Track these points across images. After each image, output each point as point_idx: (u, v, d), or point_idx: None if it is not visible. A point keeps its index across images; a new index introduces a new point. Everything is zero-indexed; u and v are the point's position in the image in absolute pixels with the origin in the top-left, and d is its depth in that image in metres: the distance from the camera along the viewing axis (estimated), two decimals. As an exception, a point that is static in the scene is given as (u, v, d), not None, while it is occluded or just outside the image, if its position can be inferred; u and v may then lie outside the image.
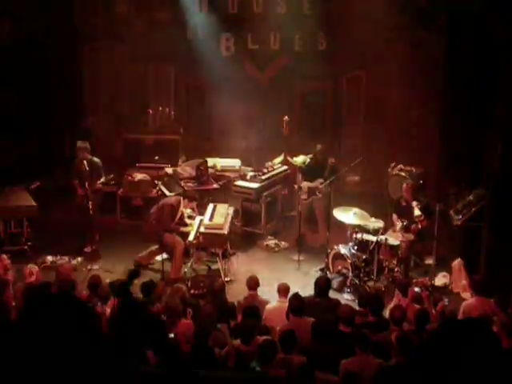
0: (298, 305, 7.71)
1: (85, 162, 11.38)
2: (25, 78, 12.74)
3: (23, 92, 13.17)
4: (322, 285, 8.55)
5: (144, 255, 11.25)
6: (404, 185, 11.11)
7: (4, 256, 9.47)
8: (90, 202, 11.16)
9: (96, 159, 11.66)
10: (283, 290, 8.42)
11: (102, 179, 11.77)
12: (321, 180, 11.94)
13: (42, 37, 12.98)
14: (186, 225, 10.98)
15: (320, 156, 12.08)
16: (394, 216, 11.06)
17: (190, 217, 11.19)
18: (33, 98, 13.02)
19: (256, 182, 12.30)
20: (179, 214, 10.94)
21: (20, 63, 12.51)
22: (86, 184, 11.25)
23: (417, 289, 9.09)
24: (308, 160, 12.33)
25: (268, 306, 8.31)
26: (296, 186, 12.12)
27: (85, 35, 13.80)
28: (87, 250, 11.43)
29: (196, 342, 6.94)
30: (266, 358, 6.48)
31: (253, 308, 7.81)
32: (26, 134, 13.15)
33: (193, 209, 11.27)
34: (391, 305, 8.47)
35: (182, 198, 11.10)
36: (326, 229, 11.59)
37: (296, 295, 7.96)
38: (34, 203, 11.44)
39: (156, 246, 11.08)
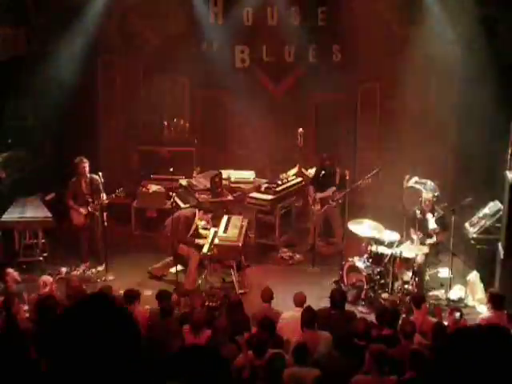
0: (309, 318, 7.67)
1: (83, 180, 11.25)
2: (39, 90, 12.81)
3: (37, 104, 13.25)
4: (338, 297, 8.52)
5: (158, 266, 11.26)
6: (424, 195, 11.00)
7: (11, 270, 9.53)
8: (102, 216, 11.11)
9: (95, 176, 11.27)
10: (299, 300, 8.39)
11: (104, 196, 11.25)
12: (333, 188, 11.93)
13: (56, 48, 13.06)
14: (200, 236, 10.98)
15: (328, 164, 12.04)
16: (412, 229, 10.98)
17: (204, 228, 11.21)
18: (47, 110, 13.08)
19: (270, 194, 12.30)
20: (194, 225, 10.94)
21: (34, 75, 12.58)
22: (90, 203, 11.19)
23: (429, 303, 9.04)
24: (314, 170, 12.33)
25: (284, 316, 8.27)
26: (310, 199, 12.12)
27: (100, 48, 13.86)
28: (101, 267, 11.41)
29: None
30: (274, 371, 6.48)
31: (268, 320, 7.78)
32: (41, 146, 13.21)
33: (207, 221, 11.26)
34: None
35: (196, 210, 11.10)
36: (342, 235, 11.59)
37: (308, 308, 7.92)
38: (49, 214, 11.48)
39: (170, 258, 11.09)
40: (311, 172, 12.71)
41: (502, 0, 11.92)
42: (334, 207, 11.95)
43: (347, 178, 12.46)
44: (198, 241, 10.88)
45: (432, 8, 12.59)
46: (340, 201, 11.79)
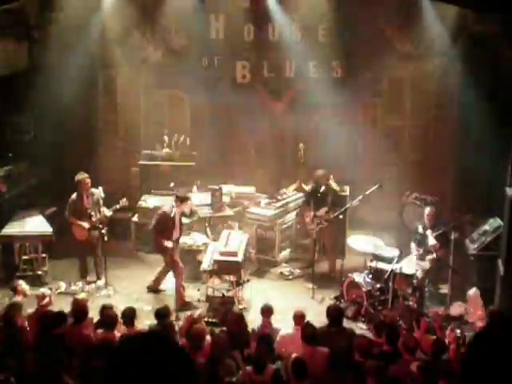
0: (309, 333, 7.63)
1: (85, 195, 11.19)
2: (40, 104, 12.85)
3: (38, 118, 13.29)
4: (334, 314, 8.43)
5: (154, 280, 11.24)
6: (427, 209, 11.00)
7: (21, 281, 9.46)
8: (102, 231, 11.10)
9: (96, 190, 11.27)
10: (298, 317, 8.34)
11: (105, 210, 11.28)
12: (325, 208, 11.84)
13: (57, 63, 13.11)
14: (179, 234, 10.97)
15: (322, 182, 11.99)
16: (412, 244, 10.97)
17: (203, 243, 11.20)
18: (48, 124, 13.11)
19: (270, 209, 12.30)
20: (178, 218, 10.88)
21: (36, 89, 12.63)
22: (93, 217, 11.15)
23: (428, 319, 9.00)
24: (309, 187, 12.26)
25: (282, 333, 8.22)
26: (307, 218, 12.02)
27: (101, 63, 13.91)
28: (100, 282, 11.39)
29: (207, 369, 6.90)
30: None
31: (267, 336, 7.75)
32: (42, 160, 13.21)
33: (189, 208, 11.13)
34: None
35: (173, 203, 10.92)
36: (334, 258, 11.55)
37: (308, 324, 7.88)
38: (49, 229, 11.48)
39: (160, 268, 11.09)
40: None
41: (502, 18, 11.96)
42: (325, 228, 11.82)
43: (347, 193, 12.40)
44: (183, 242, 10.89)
45: (432, 25, 12.64)
46: (333, 217, 11.63)
